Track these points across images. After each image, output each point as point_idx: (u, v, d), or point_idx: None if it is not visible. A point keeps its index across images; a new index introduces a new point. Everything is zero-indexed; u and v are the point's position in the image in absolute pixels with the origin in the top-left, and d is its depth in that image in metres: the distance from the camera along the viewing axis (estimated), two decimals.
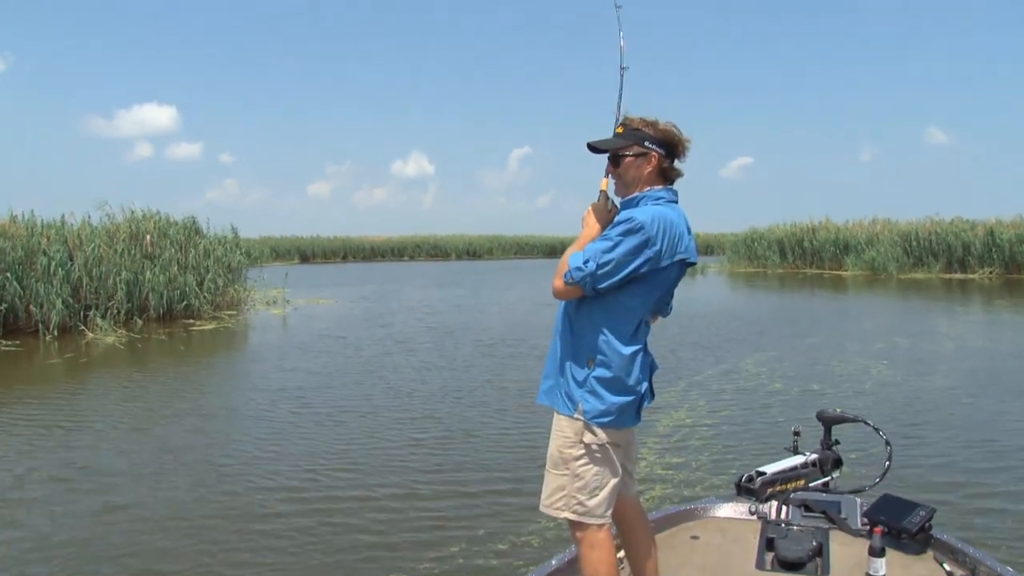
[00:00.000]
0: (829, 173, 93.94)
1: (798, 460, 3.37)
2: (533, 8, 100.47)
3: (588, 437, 2.79)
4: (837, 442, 3.45)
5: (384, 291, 29.05)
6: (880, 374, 10.65)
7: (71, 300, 16.56)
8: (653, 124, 2.91)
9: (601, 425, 2.78)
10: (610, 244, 2.74)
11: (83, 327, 16.35)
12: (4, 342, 14.90)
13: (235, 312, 20.84)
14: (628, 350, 2.78)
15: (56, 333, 15.80)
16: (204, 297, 19.62)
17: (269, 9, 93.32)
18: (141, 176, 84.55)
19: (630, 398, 2.80)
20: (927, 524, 3.06)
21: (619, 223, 2.79)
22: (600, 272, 2.73)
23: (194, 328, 17.46)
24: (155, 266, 18.64)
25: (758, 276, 38.01)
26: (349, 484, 6.23)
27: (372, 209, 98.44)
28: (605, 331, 2.79)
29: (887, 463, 3.36)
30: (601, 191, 3.00)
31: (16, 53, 78.59)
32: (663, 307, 3.02)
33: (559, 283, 2.82)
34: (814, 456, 3.39)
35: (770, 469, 3.28)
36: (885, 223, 40.16)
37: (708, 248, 67.01)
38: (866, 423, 3.45)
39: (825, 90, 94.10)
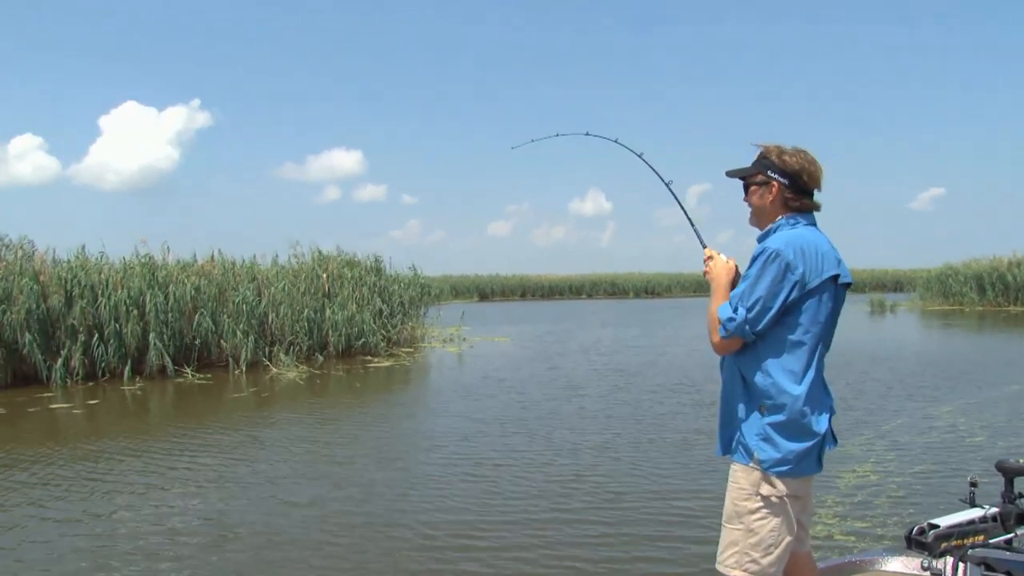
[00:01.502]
0: None
1: (976, 513, 2.99)
2: (716, 50, 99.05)
3: (766, 488, 2.64)
4: (1021, 495, 3.05)
5: (559, 330, 28.74)
6: None
7: (257, 336, 17.19)
8: (779, 152, 2.82)
9: (779, 475, 2.62)
10: (751, 281, 2.67)
11: (267, 362, 16.92)
12: (198, 375, 15.61)
13: (412, 349, 21.10)
14: (799, 389, 2.61)
15: (244, 368, 16.43)
16: (381, 334, 19.97)
17: (447, 58, 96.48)
18: (331, 217, 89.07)
19: (808, 443, 2.62)
20: None
21: (754, 258, 2.70)
22: (752, 315, 2.65)
23: (371, 365, 17.75)
24: (333, 304, 19.12)
25: (954, 314, 35.24)
26: (466, 557, 5.48)
27: (550, 247, 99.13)
28: (772, 372, 2.64)
29: None
30: (707, 258, 3.00)
31: (222, 109, 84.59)
32: (830, 334, 2.78)
33: (716, 338, 2.74)
34: (995, 510, 2.99)
35: (944, 522, 2.93)
36: None
37: (898, 285, 63.62)
38: None
39: (1020, 112, 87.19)
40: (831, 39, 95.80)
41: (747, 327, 2.66)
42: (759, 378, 2.67)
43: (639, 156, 3.66)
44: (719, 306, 2.75)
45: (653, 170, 3.58)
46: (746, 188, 2.91)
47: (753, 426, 2.67)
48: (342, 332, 18.87)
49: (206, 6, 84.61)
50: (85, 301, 15.16)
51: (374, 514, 6.45)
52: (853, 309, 39.03)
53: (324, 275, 20.11)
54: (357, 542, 5.79)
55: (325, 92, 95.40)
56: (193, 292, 16.63)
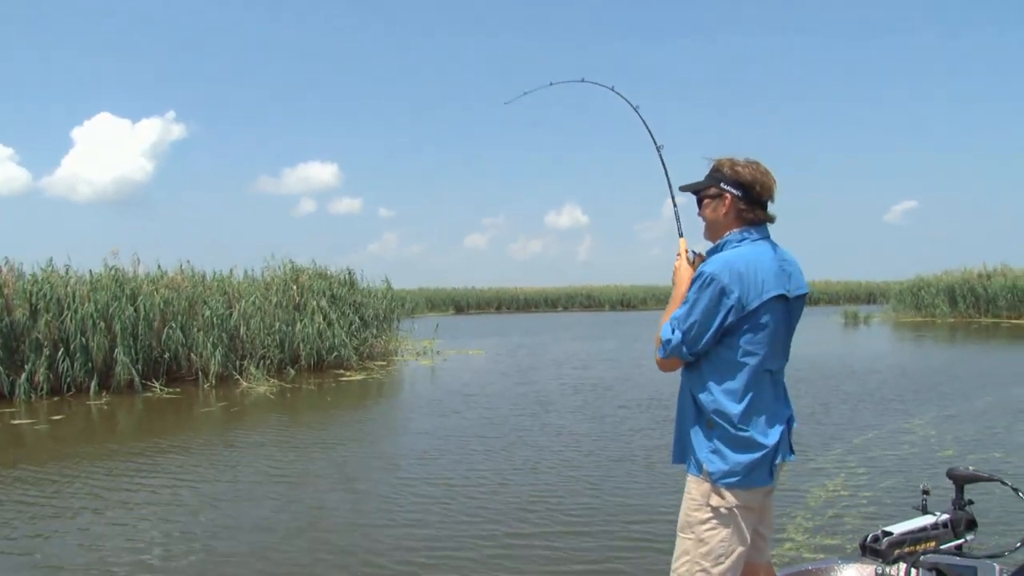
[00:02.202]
0: (1001, 216, 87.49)
1: (928, 520, 3.06)
2: (681, 68, 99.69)
3: (715, 500, 2.68)
4: (971, 502, 3.13)
5: (533, 343, 28.63)
6: None
7: (228, 350, 16.98)
8: (732, 163, 2.83)
9: (728, 486, 2.66)
10: (688, 305, 2.70)
11: (238, 376, 16.69)
12: (167, 389, 15.35)
13: (386, 363, 20.94)
14: (738, 408, 2.65)
15: (214, 382, 16.20)
16: (353, 348, 19.81)
17: (423, 71, 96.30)
18: (307, 231, 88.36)
19: (755, 455, 2.65)
20: None
21: (693, 281, 2.72)
22: (688, 338, 2.70)
23: (343, 378, 17.56)
24: (304, 317, 18.97)
25: (926, 326, 35.51)
26: None
27: (528, 260, 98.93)
28: (713, 391, 2.69)
29: None
30: (678, 254, 3.03)
31: (198, 121, 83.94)
32: (780, 350, 2.80)
33: (657, 357, 2.81)
34: (945, 516, 3.07)
35: (897, 529, 2.99)
36: None
37: (872, 297, 64.17)
38: (1003, 482, 3.08)
39: (993, 128, 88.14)
40: (805, 51, 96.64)
41: (684, 349, 2.71)
42: (703, 396, 2.72)
43: (635, 108, 3.66)
44: (662, 324, 2.79)
45: (646, 127, 3.57)
46: (700, 202, 2.92)
47: (702, 440, 2.72)
48: (313, 345, 18.67)
49: (182, 18, 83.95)
50: (51, 314, 14.87)
51: (318, 539, 6.21)
52: (827, 321, 39.29)
53: (295, 287, 19.95)
54: (295, 570, 5.59)
55: (300, 105, 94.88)
56: (162, 305, 16.38)
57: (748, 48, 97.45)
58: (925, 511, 3.16)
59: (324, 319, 19.31)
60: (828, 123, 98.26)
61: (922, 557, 2.97)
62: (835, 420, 10.89)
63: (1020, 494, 3.07)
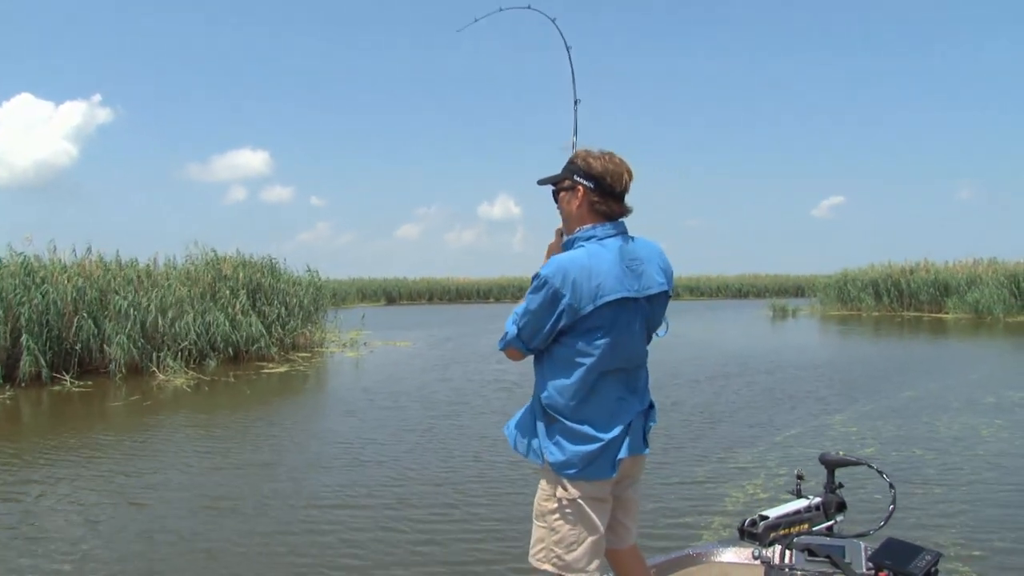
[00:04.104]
0: (925, 212, 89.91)
1: (802, 504, 3.24)
2: (589, 58, 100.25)
3: (560, 491, 2.75)
4: (841, 485, 3.32)
5: (461, 334, 28.44)
6: (994, 436, 9.37)
7: (143, 341, 16.40)
8: (585, 155, 2.83)
9: (570, 478, 2.72)
10: (525, 304, 2.75)
11: (154, 368, 16.16)
12: (77, 383, 14.79)
13: (310, 354, 20.63)
14: (572, 403, 2.71)
15: (125, 373, 15.68)
16: (275, 338, 19.42)
17: (355, 59, 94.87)
18: (236, 219, 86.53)
19: (592, 447, 2.70)
20: (933, 568, 2.92)
21: (532, 280, 2.74)
22: (523, 335, 2.77)
23: (265, 371, 17.20)
24: (221, 307, 18.53)
25: (851, 319, 36.27)
26: None
27: (462, 250, 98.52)
28: (550, 386, 2.75)
29: (891, 506, 3.19)
30: (557, 229, 3.01)
31: (124, 105, 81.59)
32: (628, 349, 2.79)
33: (499, 347, 2.88)
34: (818, 500, 3.27)
35: (773, 513, 3.14)
36: (990, 263, 37.90)
37: (800, 290, 65.32)
38: (869, 465, 3.31)
39: (919, 125, 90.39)
40: (734, 46, 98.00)
41: (520, 344, 2.79)
42: (542, 391, 2.78)
43: (567, 49, 3.68)
44: (510, 316, 2.84)
45: (572, 72, 3.57)
46: (556, 195, 2.92)
47: (542, 431, 2.78)
48: (230, 337, 18.24)
49: None
50: None
51: (163, 560, 5.90)
52: (755, 314, 39.91)
53: (209, 276, 19.48)
54: None
55: (230, 89, 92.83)
56: (74, 294, 15.77)
57: (677, 47, 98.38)
58: (799, 495, 3.29)
59: (240, 309, 18.88)
60: (758, 120, 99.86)
61: (796, 539, 3.09)
62: (757, 418, 10.86)
63: (884, 476, 3.26)
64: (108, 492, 7.46)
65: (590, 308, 2.65)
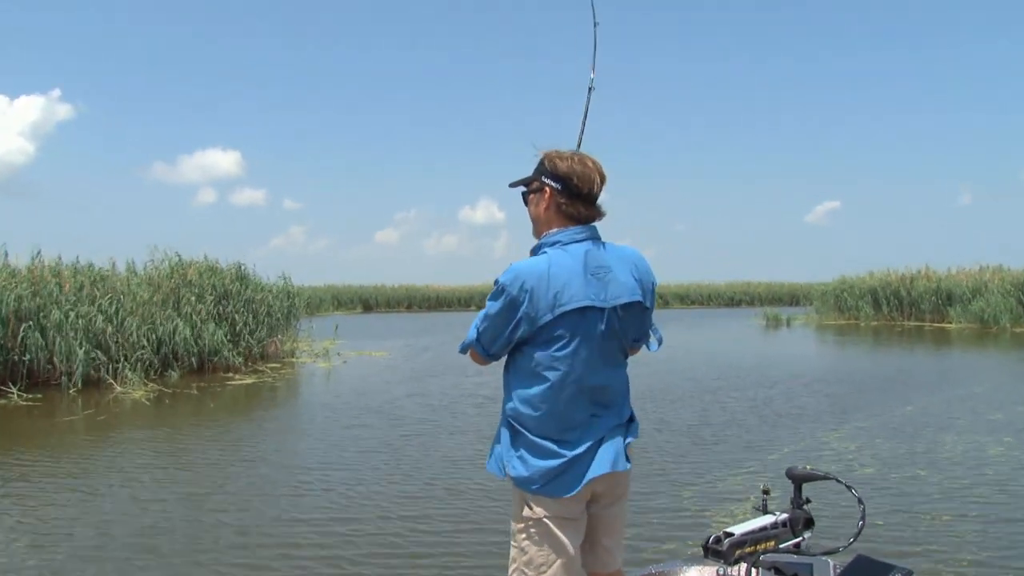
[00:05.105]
0: (924, 217, 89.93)
1: (767, 520, 3.16)
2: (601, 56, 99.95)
3: (527, 511, 2.74)
4: (808, 501, 3.27)
5: (440, 343, 27.99)
6: (1004, 455, 9.07)
7: (97, 352, 15.97)
8: (553, 156, 2.82)
9: (533, 493, 2.71)
10: (486, 309, 2.76)
11: (111, 380, 15.73)
12: (25, 395, 14.35)
13: (280, 365, 20.32)
14: (535, 416, 2.70)
15: (80, 386, 15.21)
16: (242, 348, 19.13)
17: (332, 56, 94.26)
18: (206, 223, 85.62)
19: (555, 462, 2.68)
20: None
21: (494, 284, 2.74)
22: (483, 339, 2.79)
23: (231, 383, 16.85)
24: (183, 316, 18.19)
25: (849, 329, 36.19)
26: None
27: (442, 256, 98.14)
28: (515, 395, 2.76)
29: (860, 523, 3.19)
30: None
31: (86, 101, 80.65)
32: (601, 364, 2.75)
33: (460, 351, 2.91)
34: (784, 516, 3.19)
35: (738, 530, 3.06)
36: (995, 270, 37.84)
37: (795, 299, 65.32)
38: (837, 480, 3.30)
39: (918, 126, 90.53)
40: (725, 46, 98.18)
41: (480, 347, 2.81)
42: (507, 401, 2.81)
43: (594, 24, 3.57)
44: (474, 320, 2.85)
45: (594, 51, 3.46)
46: (525, 198, 2.94)
47: (506, 442, 2.79)
48: (192, 347, 17.86)
49: None
50: None
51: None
52: (747, 324, 39.77)
53: (173, 283, 19.20)
54: None
55: (199, 85, 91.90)
56: (15, 303, 15.30)
57: (667, 47, 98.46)
58: (766, 511, 3.25)
59: (205, 317, 18.55)
60: (750, 123, 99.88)
61: (762, 557, 3.08)
62: (748, 435, 10.52)
63: (853, 491, 3.25)
64: (27, 525, 7.10)
65: (549, 317, 2.64)
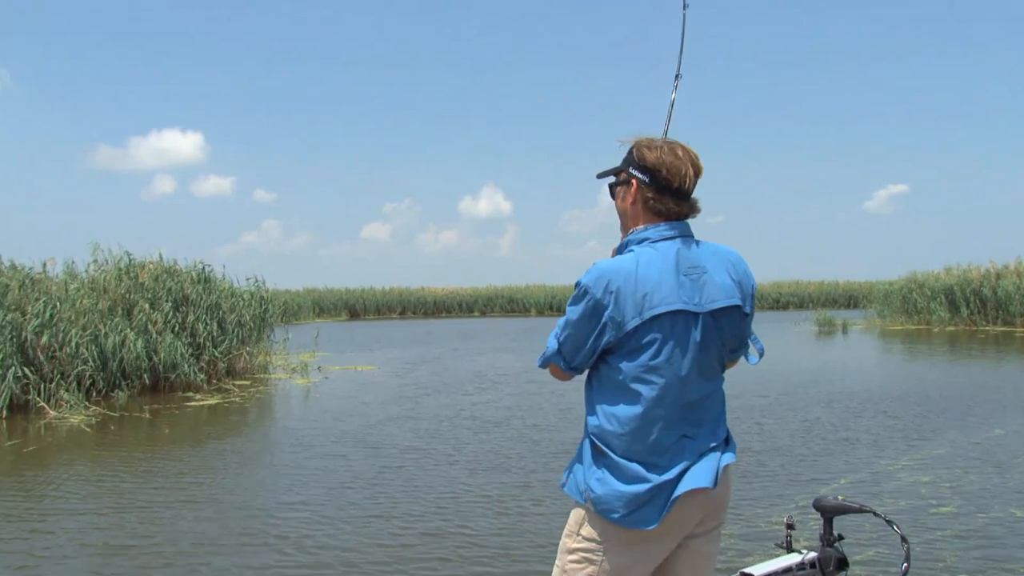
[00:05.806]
0: (1012, 204, 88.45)
1: (793, 559, 3.19)
2: (628, 33, 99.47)
3: (586, 530, 2.77)
4: (841, 537, 3.28)
5: (439, 355, 27.85)
6: None
7: (26, 369, 15.59)
8: (643, 144, 2.88)
9: (615, 523, 2.70)
10: (566, 316, 2.83)
11: (42, 403, 15.37)
12: None
13: (250, 382, 20.21)
14: (623, 431, 2.72)
15: (4, 412, 14.82)
16: (201, 365, 18.94)
17: (304, 28, 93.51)
18: (163, 216, 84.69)
19: (641, 487, 2.68)
20: None
21: (575, 288, 2.82)
22: (564, 350, 2.84)
23: (191, 404, 16.64)
24: (130, 326, 17.95)
25: (920, 335, 35.70)
26: None
27: (440, 255, 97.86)
28: (598, 413, 2.79)
29: (904, 565, 3.10)
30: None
31: (13, 73, 79.00)
32: (697, 376, 2.77)
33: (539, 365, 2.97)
34: (812, 555, 3.21)
35: (758, 571, 3.09)
36: None
37: (852, 300, 64.90)
38: (875, 513, 3.25)
39: (1003, 99, 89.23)
40: (778, 28, 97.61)
41: (561, 360, 2.85)
42: (590, 416, 2.84)
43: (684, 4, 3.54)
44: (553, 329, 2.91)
45: (683, 35, 3.46)
46: (612, 190, 3.00)
47: (588, 461, 2.81)
48: (144, 362, 17.57)
49: None
50: None
51: None
52: (797, 329, 39.39)
53: (123, 287, 19.03)
54: None
55: (155, 57, 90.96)
56: None
57: (713, 25, 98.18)
58: (790, 549, 3.25)
59: (156, 328, 18.28)
60: (797, 96, 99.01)
61: None
62: (798, 464, 10.18)
63: (895, 527, 3.25)
64: None
65: (636, 322, 2.68)
